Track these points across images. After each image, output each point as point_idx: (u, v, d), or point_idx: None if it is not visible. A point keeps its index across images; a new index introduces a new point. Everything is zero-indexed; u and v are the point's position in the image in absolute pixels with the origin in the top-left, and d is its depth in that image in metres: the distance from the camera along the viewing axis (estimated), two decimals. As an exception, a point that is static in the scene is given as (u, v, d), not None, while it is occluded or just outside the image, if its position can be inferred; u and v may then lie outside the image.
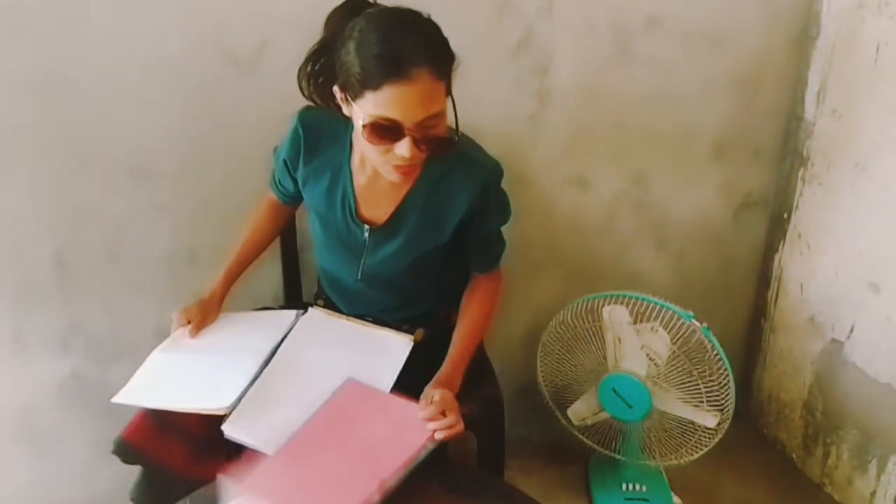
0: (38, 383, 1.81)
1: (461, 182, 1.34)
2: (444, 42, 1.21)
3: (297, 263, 1.76)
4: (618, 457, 1.86)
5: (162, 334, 1.73)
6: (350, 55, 1.17)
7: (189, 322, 1.43)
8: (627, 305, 1.72)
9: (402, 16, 1.19)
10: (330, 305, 1.58)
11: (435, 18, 1.62)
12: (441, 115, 1.20)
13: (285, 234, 1.70)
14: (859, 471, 1.85)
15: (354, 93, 1.18)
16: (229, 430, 1.22)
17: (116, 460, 1.30)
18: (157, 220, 1.73)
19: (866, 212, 1.77)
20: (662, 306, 1.71)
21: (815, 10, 1.83)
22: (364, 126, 1.18)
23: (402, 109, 1.15)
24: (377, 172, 1.32)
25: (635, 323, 1.73)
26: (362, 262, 1.44)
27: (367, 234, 1.40)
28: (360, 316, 1.52)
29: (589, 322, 1.77)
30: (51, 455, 1.86)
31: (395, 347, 1.40)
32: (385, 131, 1.17)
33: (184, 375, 1.35)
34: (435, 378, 1.32)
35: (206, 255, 1.77)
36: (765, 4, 1.80)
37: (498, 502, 1.16)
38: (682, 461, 1.78)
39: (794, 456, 2.07)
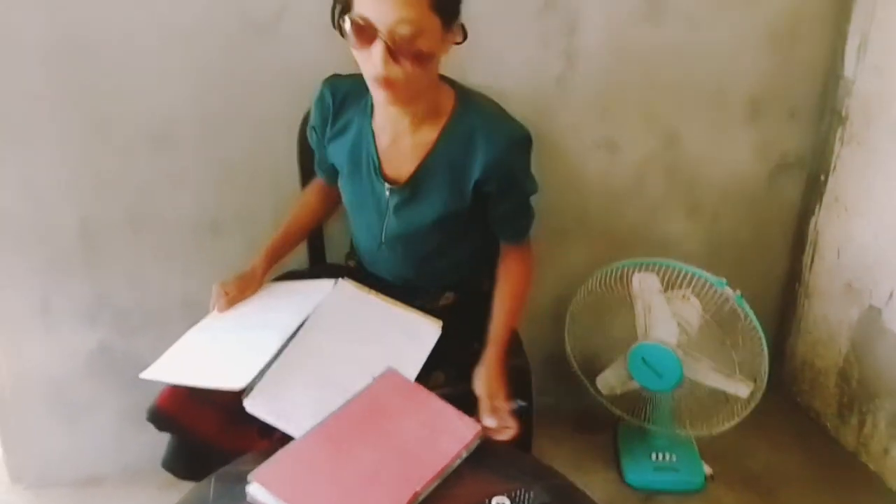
0: (67, 355, 1.82)
1: (482, 143, 1.32)
2: None
3: (321, 226, 1.74)
4: (647, 426, 1.84)
5: (188, 305, 1.74)
6: None
7: (227, 295, 1.44)
8: (658, 272, 1.68)
9: None
10: (361, 268, 1.58)
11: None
12: (417, 26, 1.17)
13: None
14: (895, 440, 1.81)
15: (343, 3, 1.21)
16: (250, 405, 1.21)
17: (147, 430, 1.31)
18: (180, 188, 1.72)
19: (909, 173, 1.70)
20: (694, 273, 1.67)
21: (857, -40, 1.75)
22: (345, 27, 1.20)
23: (374, 7, 1.16)
24: (399, 132, 1.35)
25: (666, 290, 1.69)
26: (385, 223, 1.43)
27: (388, 193, 1.40)
28: (392, 284, 1.51)
29: (618, 290, 1.73)
30: (82, 425, 1.88)
31: (423, 333, 1.37)
32: (361, 31, 1.18)
33: (208, 352, 1.34)
34: (481, 364, 1.33)
35: (229, 224, 1.76)
36: (803, -44, 1.72)
37: (524, 478, 1.13)
38: (713, 431, 1.75)
39: (828, 424, 2.04)
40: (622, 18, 1.71)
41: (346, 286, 1.46)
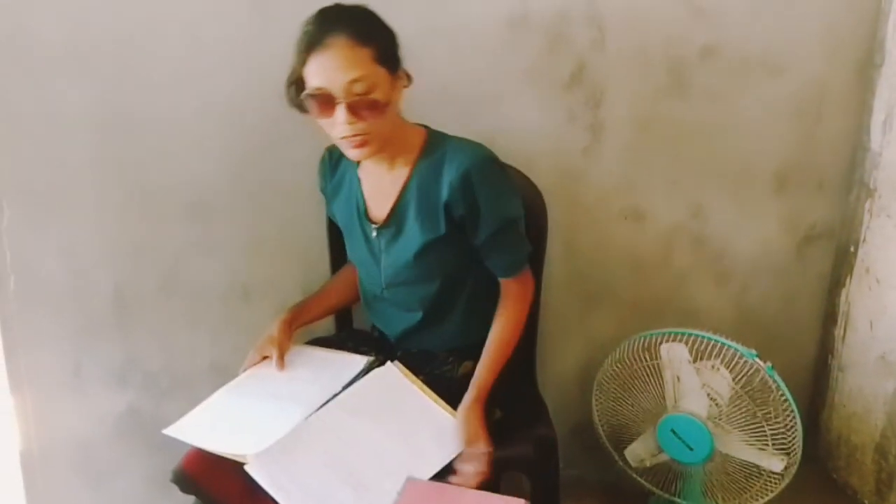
0: (96, 418, 1.83)
1: (447, 166, 1.37)
2: (367, 14, 1.31)
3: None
4: (678, 500, 1.79)
5: (216, 369, 1.76)
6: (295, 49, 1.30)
7: (263, 359, 1.48)
8: (687, 343, 1.67)
9: (334, 4, 1.32)
10: (384, 337, 1.59)
11: (488, 53, 1.65)
12: (369, 81, 1.26)
13: (335, 261, 1.71)
14: (939, 520, 1.75)
15: (300, 79, 1.30)
16: (251, 468, 1.21)
17: (171, 495, 1.31)
18: (212, 256, 1.76)
19: (940, 245, 1.69)
20: (724, 344, 1.65)
21: (879, 36, 1.77)
22: (307, 104, 1.30)
23: (325, 76, 1.26)
24: (380, 174, 1.44)
25: (695, 361, 1.67)
26: (382, 267, 1.48)
27: (374, 234, 1.46)
28: (409, 350, 1.51)
29: (646, 360, 1.71)
30: (108, 489, 1.88)
31: (450, 437, 1.31)
32: (321, 102, 1.28)
33: (231, 418, 1.35)
34: (461, 407, 1.34)
35: (259, 292, 1.79)
36: (825, 33, 1.76)
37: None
38: (746, 507, 1.71)
39: (866, 502, 1.97)
40: (647, 92, 1.75)
41: (393, 370, 1.41)
